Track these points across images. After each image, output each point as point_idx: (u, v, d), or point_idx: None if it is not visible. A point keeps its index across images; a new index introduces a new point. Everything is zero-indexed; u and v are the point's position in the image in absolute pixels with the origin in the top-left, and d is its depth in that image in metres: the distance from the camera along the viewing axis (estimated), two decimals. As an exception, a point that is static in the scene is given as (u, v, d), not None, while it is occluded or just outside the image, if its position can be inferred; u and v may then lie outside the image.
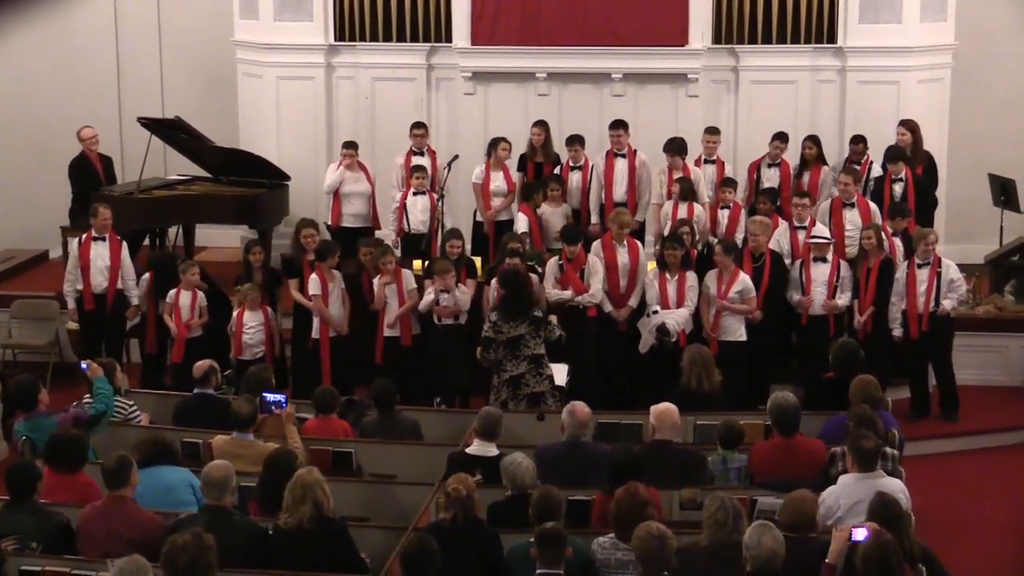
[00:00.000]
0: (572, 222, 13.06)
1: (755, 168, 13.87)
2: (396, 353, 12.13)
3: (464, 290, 12.02)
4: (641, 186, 13.55)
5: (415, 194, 13.45)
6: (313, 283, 12.12)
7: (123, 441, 9.22)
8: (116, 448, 8.63)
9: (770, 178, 13.69)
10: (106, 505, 7.82)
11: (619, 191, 13.49)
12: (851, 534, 7.09)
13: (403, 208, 13.47)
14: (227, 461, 8.02)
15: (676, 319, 11.73)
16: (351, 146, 14.03)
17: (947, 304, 12.04)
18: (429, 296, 11.93)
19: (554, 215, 13.12)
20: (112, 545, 7.54)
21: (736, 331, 11.87)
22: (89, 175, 14.75)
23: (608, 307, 12.13)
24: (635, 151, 13.55)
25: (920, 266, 12.06)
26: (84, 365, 9.98)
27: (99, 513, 7.80)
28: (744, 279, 11.84)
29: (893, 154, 13.27)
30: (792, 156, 13.91)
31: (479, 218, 13.94)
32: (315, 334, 12.15)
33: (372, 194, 14.03)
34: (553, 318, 11.24)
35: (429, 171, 13.68)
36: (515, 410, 10.59)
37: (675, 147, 13.25)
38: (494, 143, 13.76)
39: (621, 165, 13.50)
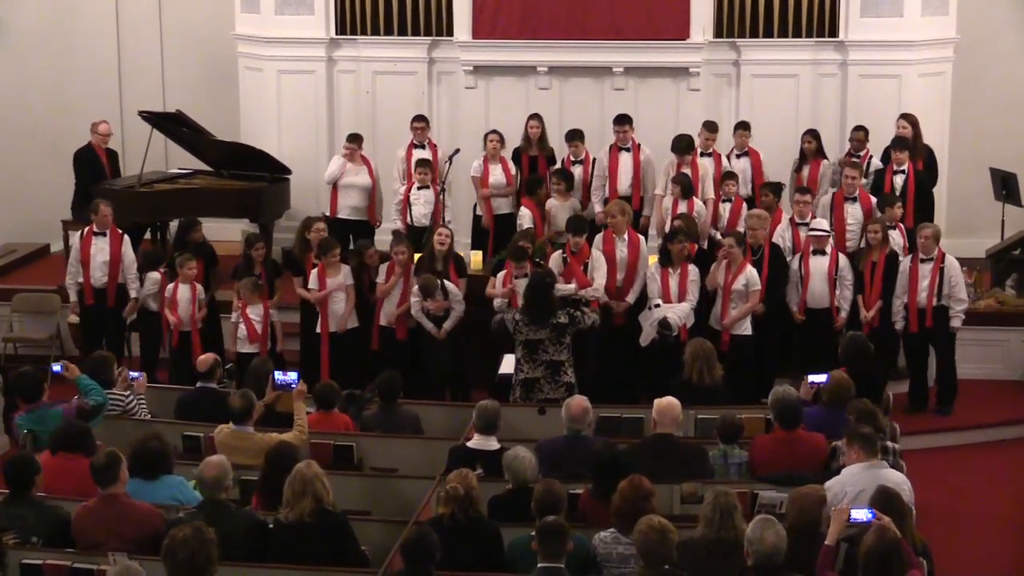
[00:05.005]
0: (578, 213, 13.04)
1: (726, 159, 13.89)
2: (391, 345, 12.18)
3: (455, 291, 12.00)
4: (645, 181, 13.54)
5: (420, 188, 13.46)
6: (313, 278, 12.17)
7: (123, 434, 9.21)
8: (117, 442, 8.64)
9: (743, 169, 13.69)
10: (100, 504, 7.76)
11: (623, 185, 13.48)
12: (850, 515, 7.11)
13: (407, 201, 13.47)
14: (223, 457, 8.04)
15: (678, 313, 11.71)
16: (354, 139, 14.05)
17: (956, 323, 12.10)
18: (415, 299, 11.96)
19: (561, 209, 13.07)
20: (115, 545, 7.53)
21: (741, 325, 11.86)
22: (93, 167, 14.75)
23: (605, 298, 12.12)
24: (639, 145, 13.54)
25: (923, 261, 12.07)
26: (58, 368, 9.82)
27: (94, 513, 7.75)
28: (750, 272, 11.81)
29: (898, 143, 13.25)
30: (791, 150, 13.90)
31: (479, 212, 13.95)
32: (317, 329, 12.18)
33: (372, 189, 14.04)
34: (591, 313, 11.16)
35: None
36: (516, 404, 10.60)
37: (682, 146, 13.23)
38: (485, 136, 13.79)
39: (626, 159, 13.48)
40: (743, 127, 13.86)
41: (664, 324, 11.62)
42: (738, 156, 13.82)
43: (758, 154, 13.78)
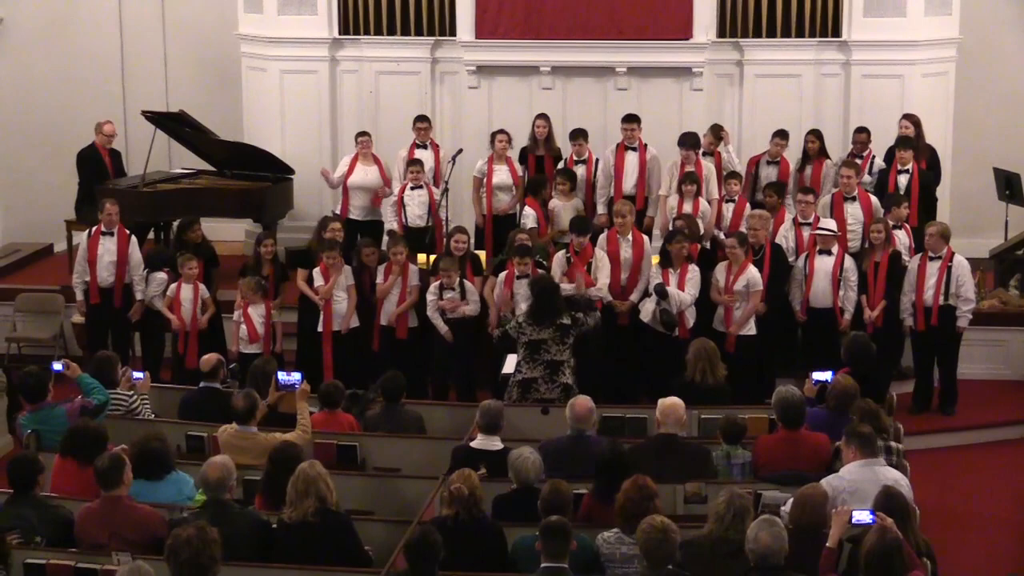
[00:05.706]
0: (582, 214, 13.04)
1: (754, 164, 13.87)
2: (392, 345, 12.18)
3: (472, 289, 12.03)
4: (651, 180, 13.53)
5: (412, 188, 13.45)
6: (316, 275, 12.17)
7: (127, 435, 9.20)
8: (121, 442, 8.64)
9: (768, 175, 13.66)
10: (103, 507, 7.75)
11: (629, 184, 13.47)
12: (851, 517, 7.11)
13: (401, 202, 13.47)
14: (227, 457, 8.03)
15: (678, 293, 11.68)
16: (364, 134, 14.09)
17: (962, 323, 12.09)
18: (431, 297, 11.95)
19: (564, 209, 13.06)
20: (117, 547, 7.52)
21: (746, 325, 11.84)
22: (97, 167, 14.74)
23: (609, 298, 12.12)
24: (646, 145, 13.52)
25: (931, 259, 12.06)
26: (59, 366, 9.80)
27: (96, 516, 7.74)
28: (752, 271, 11.81)
29: (902, 142, 13.23)
30: (794, 150, 13.90)
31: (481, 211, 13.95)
32: (319, 328, 12.18)
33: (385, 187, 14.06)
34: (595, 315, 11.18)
35: (432, 165, 13.70)
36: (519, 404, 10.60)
37: (689, 141, 13.22)
38: (492, 136, 13.78)
39: (632, 158, 13.47)
40: (781, 135, 13.71)
41: (659, 291, 11.57)
42: (768, 163, 13.77)
43: (788, 164, 13.71)
